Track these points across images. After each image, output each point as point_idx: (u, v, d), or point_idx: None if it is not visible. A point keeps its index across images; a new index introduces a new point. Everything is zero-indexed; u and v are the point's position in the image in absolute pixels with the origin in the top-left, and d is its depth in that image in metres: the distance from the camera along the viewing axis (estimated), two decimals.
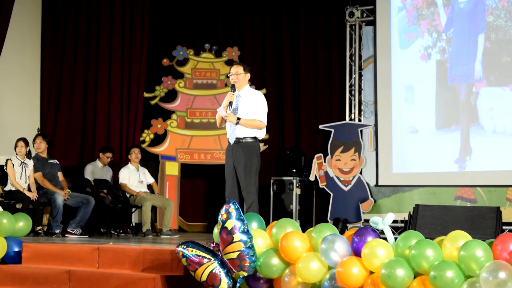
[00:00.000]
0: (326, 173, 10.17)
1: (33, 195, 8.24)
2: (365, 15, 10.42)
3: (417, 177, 9.53)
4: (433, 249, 4.47)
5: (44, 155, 8.78)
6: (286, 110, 10.73)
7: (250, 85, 6.70)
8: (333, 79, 10.61)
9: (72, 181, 9.31)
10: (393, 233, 5.05)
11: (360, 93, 10.46)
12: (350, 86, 10.47)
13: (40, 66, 10.48)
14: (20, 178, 8.36)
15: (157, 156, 10.39)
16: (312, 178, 10.26)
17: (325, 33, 10.68)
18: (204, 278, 5.13)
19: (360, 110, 10.45)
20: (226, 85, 10.48)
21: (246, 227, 5.01)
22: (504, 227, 7.87)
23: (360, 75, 10.47)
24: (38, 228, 8.28)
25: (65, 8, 10.50)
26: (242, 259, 4.98)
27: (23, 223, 6.73)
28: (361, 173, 10.08)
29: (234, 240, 4.98)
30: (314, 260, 4.86)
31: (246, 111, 6.44)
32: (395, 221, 9.25)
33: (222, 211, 5.07)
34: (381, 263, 4.58)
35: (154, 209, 9.50)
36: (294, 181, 10.10)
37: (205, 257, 5.15)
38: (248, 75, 6.56)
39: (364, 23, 10.44)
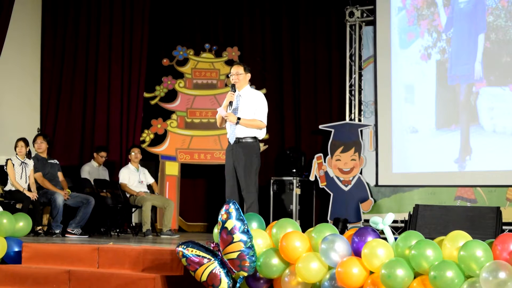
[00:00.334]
0: (326, 173, 10.17)
1: (33, 195, 8.24)
2: (365, 15, 10.42)
3: (417, 177, 9.53)
4: (433, 249, 4.47)
5: (44, 155, 8.78)
6: (286, 110, 10.73)
7: (250, 85, 6.70)
8: (333, 79, 10.61)
9: (72, 181, 9.31)
10: (393, 233, 5.05)
11: (360, 93, 10.46)
12: (350, 86, 10.47)
13: (40, 66, 10.48)
14: (20, 178, 8.36)
15: (157, 156, 10.39)
16: (312, 178, 10.26)
17: (325, 33, 10.68)
18: (204, 278, 5.13)
19: (360, 110, 10.45)
20: (226, 85, 10.49)
21: (246, 227, 5.01)
22: (504, 227, 7.87)
23: (360, 75, 10.47)
24: (38, 228, 8.28)
25: (65, 8, 10.50)
26: (242, 259, 4.98)
27: (23, 223, 6.73)
28: (361, 173, 10.08)
29: (234, 240, 4.98)
30: (314, 260, 4.86)
31: (247, 111, 6.44)
32: (395, 221, 9.25)
33: (222, 211, 5.08)
34: (381, 263, 4.58)
35: (154, 209, 9.50)
36: (294, 181, 10.10)
37: (205, 257, 5.15)
38: (249, 75, 6.56)
39: (364, 23, 10.44)
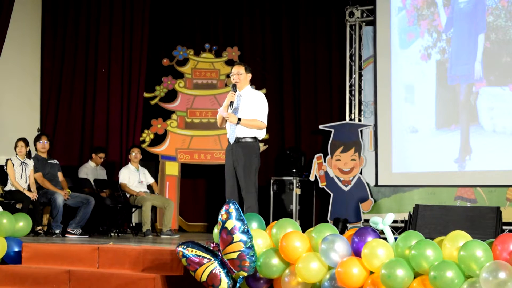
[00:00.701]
0: (326, 173, 10.17)
1: (33, 195, 8.24)
2: (365, 15, 10.42)
3: (417, 176, 9.54)
4: (433, 249, 4.47)
5: (45, 155, 8.78)
6: (286, 110, 10.73)
7: (250, 85, 6.70)
8: (333, 79, 10.61)
9: (72, 181, 9.31)
10: (393, 233, 5.05)
11: (360, 93, 10.46)
12: (350, 86, 10.47)
13: (40, 66, 10.48)
14: (20, 178, 8.36)
15: (157, 156, 10.38)
16: (312, 178, 10.26)
17: (325, 33, 10.67)
18: (204, 278, 5.13)
19: (360, 110, 10.45)
20: (226, 85, 10.49)
21: (246, 227, 5.01)
22: (504, 227, 7.87)
23: (360, 75, 10.47)
24: (38, 228, 8.28)
25: (65, 8, 10.50)
26: (242, 259, 4.98)
27: (23, 223, 6.73)
28: (361, 173, 10.08)
29: (234, 240, 4.98)
30: (314, 260, 4.86)
31: (247, 111, 6.44)
32: (395, 221, 9.25)
33: (222, 211, 5.08)
34: (381, 263, 4.58)
35: (154, 209, 9.50)
36: (294, 181, 10.10)
37: (205, 257, 5.15)
38: (249, 75, 6.56)
39: (364, 23, 10.44)
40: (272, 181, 10.19)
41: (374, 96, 9.95)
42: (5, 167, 8.41)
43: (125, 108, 10.50)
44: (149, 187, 9.58)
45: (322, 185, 10.19)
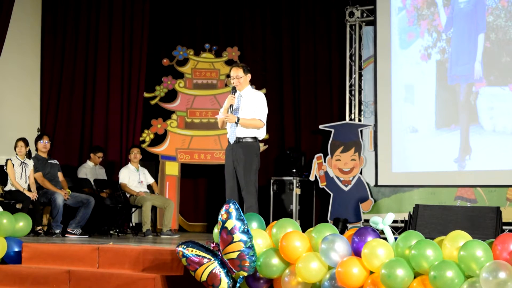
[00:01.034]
0: (326, 173, 10.17)
1: (33, 195, 8.24)
2: (365, 15, 10.42)
3: (416, 176, 9.54)
4: (433, 249, 4.48)
5: (45, 155, 8.78)
6: (286, 110, 10.73)
7: (250, 85, 6.70)
8: (333, 79, 10.61)
9: (72, 181, 9.31)
10: (393, 233, 5.05)
11: (360, 93, 10.46)
12: (350, 86, 10.47)
13: (40, 66, 10.48)
14: (20, 178, 8.36)
15: (157, 156, 10.38)
16: (312, 178, 10.26)
17: (325, 33, 10.67)
18: (204, 278, 5.13)
19: (360, 110, 10.45)
20: (226, 85, 10.49)
21: (246, 227, 5.01)
22: (504, 227, 7.87)
23: (360, 75, 10.47)
24: (38, 228, 8.28)
25: (65, 8, 10.50)
26: (242, 259, 4.98)
27: (23, 223, 6.73)
28: (361, 173, 10.08)
29: (234, 240, 4.98)
30: (314, 260, 4.86)
31: (248, 111, 6.45)
32: (395, 221, 9.25)
33: (222, 211, 5.08)
34: (381, 263, 4.58)
35: (154, 209, 9.50)
36: (294, 181, 10.10)
37: (205, 257, 5.15)
38: (249, 76, 6.56)
39: (364, 23, 10.44)
40: (272, 181, 10.19)
41: (374, 96, 9.95)
42: (5, 167, 8.41)
43: (125, 108, 10.50)
44: (149, 187, 9.59)
45: (322, 185, 10.19)
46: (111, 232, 8.93)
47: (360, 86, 10.47)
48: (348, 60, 10.47)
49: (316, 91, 10.64)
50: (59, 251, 6.39)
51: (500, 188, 9.13)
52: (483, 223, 6.74)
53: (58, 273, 6.01)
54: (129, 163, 9.51)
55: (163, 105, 10.55)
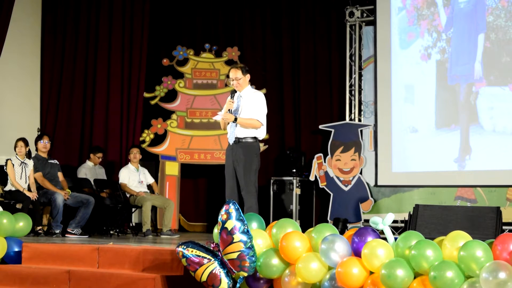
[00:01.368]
0: (326, 173, 10.17)
1: (33, 195, 8.24)
2: (365, 15, 10.42)
3: (416, 176, 9.54)
4: (433, 249, 4.48)
5: (45, 155, 8.78)
6: (286, 110, 10.73)
7: (250, 85, 6.70)
8: (333, 79, 10.61)
9: (72, 181, 9.31)
10: (393, 233, 5.05)
11: (360, 93, 10.46)
12: (350, 86, 10.47)
13: (40, 66, 10.48)
14: (20, 178, 8.36)
15: (157, 156, 10.38)
16: (312, 178, 10.26)
17: (325, 33, 10.67)
18: (204, 278, 5.13)
19: (360, 110, 10.45)
20: (226, 85, 10.48)
21: (246, 227, 5.01)
22: (504, 227, 7.87)
23: (360, 75, 10.47)
24: (38, 228, 8.28)
25: (65, 8, 10.50)
26: (242, 259, 4.98)
27: (23, 223, 6.74)
28: (361, 173, 10.08)
29: (234, 241, 4.98)
30: (314, 260, 4.86)
31: (248, 111, 6.45)
32: (395, 221, 9.25)
33: (222, 212, 5.08)
34: (381, 263, 4.58)
35: (154, 209, 9.50)
36: (294, 181, 10.10)
37: (205, 258, 5.15)
38: (248, 76, 6.56)
39: (364, 23, 10.44)
40: (272, 181, 10.19)
41: (374, 96, 9.95)
42: (5, 167, 8.41)
43: (125, 108, 10.50)
44: (149, 187, 9.59)
45: (322, 185, 10.19)
46: (111, 232, 8.94)
47: (360, 86, 10.47)
48: (348, 60, 10.47)
49: (316, 91, 10.64)
50: (59, 251, 6.39)
51: (500, 188, 9.13)
52: (483, 223, 6.74)
53: (58, 273, 6.01)
54: (129, 163, 9.51)
55: (163, 105, 10.55)
